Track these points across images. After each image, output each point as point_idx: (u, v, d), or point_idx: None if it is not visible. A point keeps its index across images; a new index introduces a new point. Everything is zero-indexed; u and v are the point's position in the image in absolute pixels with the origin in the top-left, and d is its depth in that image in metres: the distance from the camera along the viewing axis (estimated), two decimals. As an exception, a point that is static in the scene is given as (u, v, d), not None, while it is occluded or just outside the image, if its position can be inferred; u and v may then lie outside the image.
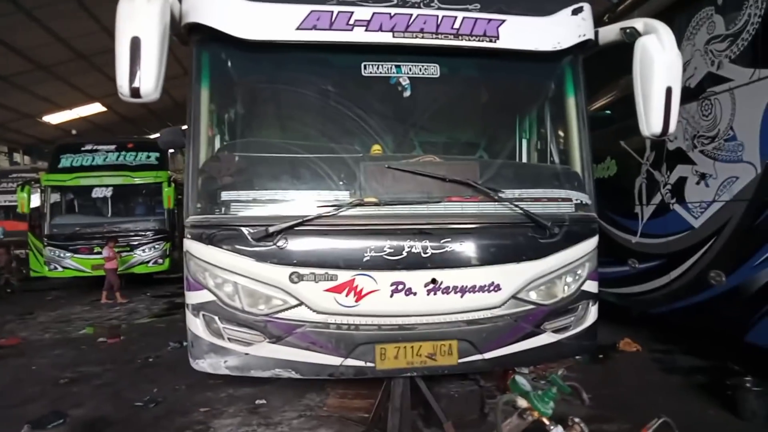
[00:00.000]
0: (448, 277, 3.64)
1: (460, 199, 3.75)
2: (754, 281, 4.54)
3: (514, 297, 3.76)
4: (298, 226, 3.53)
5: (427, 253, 3.62)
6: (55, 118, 26.75)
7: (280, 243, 3.55)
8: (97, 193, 13.61)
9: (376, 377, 3.82)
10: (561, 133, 4.27)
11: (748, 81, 4.62)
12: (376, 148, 3.99)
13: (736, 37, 4.76)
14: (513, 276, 3.75)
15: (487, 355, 3.73)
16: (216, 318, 3.62)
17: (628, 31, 3.81)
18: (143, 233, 13.46)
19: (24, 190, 13.38)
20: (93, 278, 13.90)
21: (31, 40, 18.30)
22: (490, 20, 3.70)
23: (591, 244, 3.96)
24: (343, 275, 3.57)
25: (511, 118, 4.62)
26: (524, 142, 4.60)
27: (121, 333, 8.91)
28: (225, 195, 3.68)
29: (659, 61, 3.55)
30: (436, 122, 4.28)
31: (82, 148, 13.84)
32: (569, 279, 3.88)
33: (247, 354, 3.61)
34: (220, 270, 3.59)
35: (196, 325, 3.69)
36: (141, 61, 3.09)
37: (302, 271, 3.55)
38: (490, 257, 3.72)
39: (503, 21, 3.72)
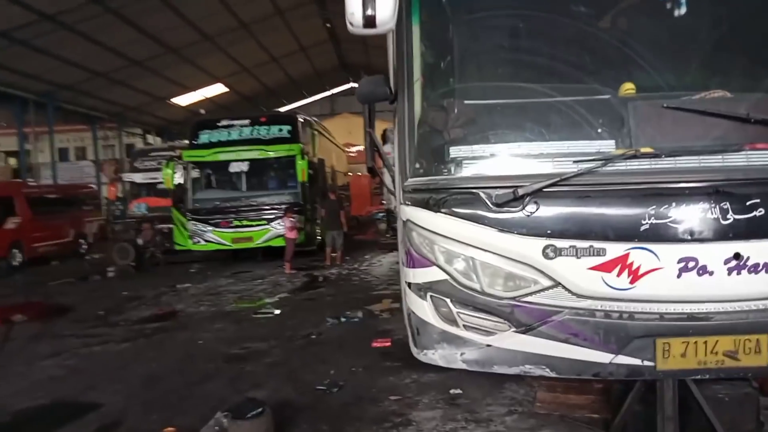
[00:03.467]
0: (757, 250, 2.72)
1: (765, 146, 2.81)
2: None
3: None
4: (552, 187, 2.78)
5: (728, 218, 2.72)
6: (182, 100, 28.07)
7: (530, 208, 2.81)
8: (234, 167, 13.74)
9: (655, 379, 3.03)
10: None
11: None
12: (628, 87, 3.11)
13: None
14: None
15: (806, 355, 2.80)
16: (448, 301, 2.97)
17: None
18: (278, 207, 13.41)
19: (169, 166, 13.81)
20: (230, 251, 14.19)
21: (162, 23, 18.97)
22: None
23: None
24: (614, 249, 2.77)
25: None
26: None
27: (274, 307, 8.77)
28: (454, 151, 3.00)
29: None
30: (717, 51, 3.30)
31: (218, 124, 13.99)
32: None
33: (489, 345, 2.94)
34: (452, 242, 2.93)
35: (422, 308, 3.06)
36: (374, -15, 2.46)
37: (559, 243, 2.79)
38: (815, 224, 2.76)
39: None
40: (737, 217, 2.72)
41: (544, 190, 2.78)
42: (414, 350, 3.18)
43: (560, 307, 2.84)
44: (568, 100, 2.98)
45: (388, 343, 6.09)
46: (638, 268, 2.76)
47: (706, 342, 2.78)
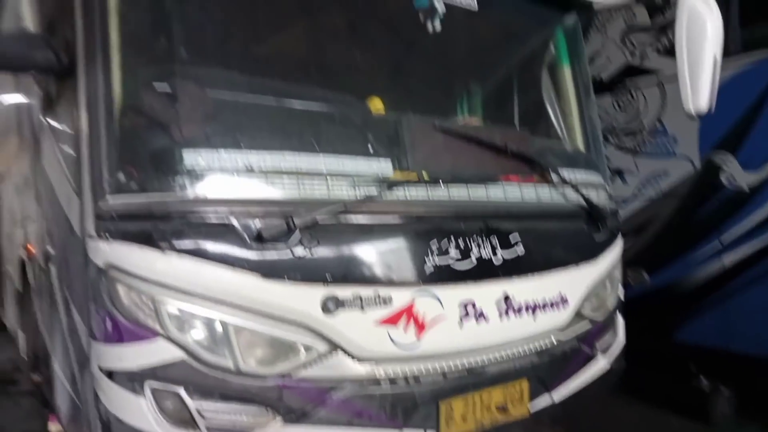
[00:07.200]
0: (520, 290, 2.58)
1: (517, 179, 2.74)
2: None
3: (576, 312, 2.89)
4: (343, 213, 2.09)
5: (497, 256, 2.50)
6: None
7: (308, 244, 2.03)
8: None
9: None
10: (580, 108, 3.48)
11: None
12: (376, 105, 2.68)
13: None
14: (576, 284, 2.86)
15: (556, 395, 2.75)
16: (182, 391, 1.88)
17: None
18: None
19: None
20: None
21: None
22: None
23: (620, 240, 3.32)
24: (400, 296, 2.21)
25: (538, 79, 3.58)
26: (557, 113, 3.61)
27: None
28: (190, 156, 1.98)
29: (711, 25, 2.98)
30: (463, 73, 3.12)
31: None
32: (610, 285, 3.17)
33: (247, 454, 1.95)
34: (192, 299, 1.88)
35: (136, 409, 1.85)
36: None
37: (341, 292, 2.07)
38: (557, 260, 2.77)
39: None
40: (505, 254, 2.54)
41: (322, 221, 2.07)
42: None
43: (341, 380, 2.12)
44: (343, 109, 2.38)
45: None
46: (424, 318, 2.28)
47: (482, 397, 2.45)
